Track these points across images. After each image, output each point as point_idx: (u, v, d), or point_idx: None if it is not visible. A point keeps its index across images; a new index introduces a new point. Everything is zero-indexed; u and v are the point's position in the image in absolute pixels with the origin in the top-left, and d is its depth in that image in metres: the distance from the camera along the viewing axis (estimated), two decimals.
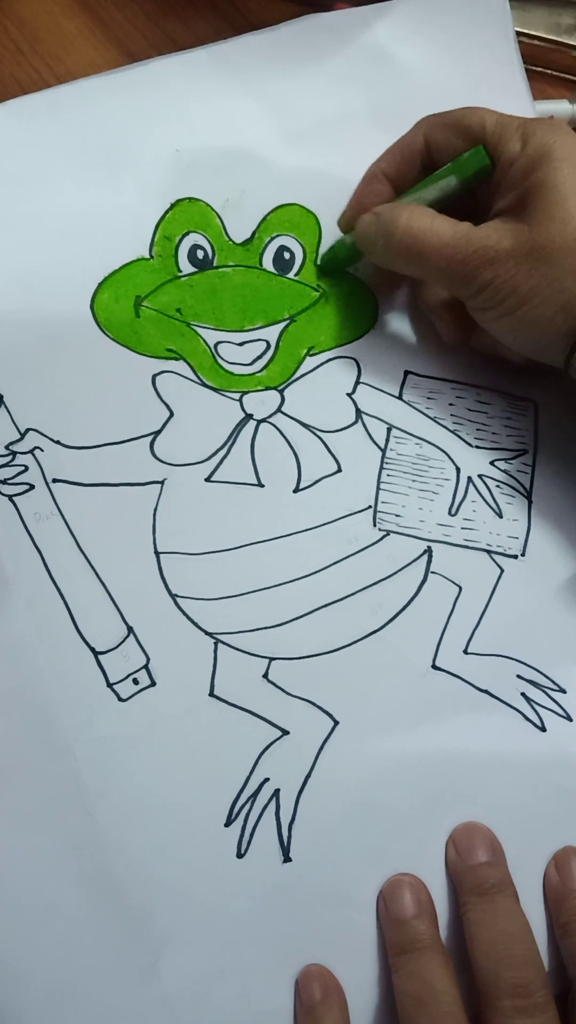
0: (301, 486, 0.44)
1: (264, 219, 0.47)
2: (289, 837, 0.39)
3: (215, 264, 0.46)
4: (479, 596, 0.43)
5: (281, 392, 0.45)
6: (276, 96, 0.49)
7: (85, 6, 0.54)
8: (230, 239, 0.47)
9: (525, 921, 0.38)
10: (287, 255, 0.47)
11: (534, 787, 0.41)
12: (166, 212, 0.47)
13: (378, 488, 0.44)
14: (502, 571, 0.44)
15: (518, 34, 0.51)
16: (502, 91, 0.50)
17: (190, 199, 0.47)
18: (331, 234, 0.48)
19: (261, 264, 0.47)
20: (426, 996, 0.35)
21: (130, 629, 0.41)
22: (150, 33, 0.53)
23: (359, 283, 0.47)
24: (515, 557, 0.44)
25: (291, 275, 0.47)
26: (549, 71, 0.55)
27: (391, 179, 0.45)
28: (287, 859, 0.39)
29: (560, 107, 0.53)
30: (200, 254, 0.46)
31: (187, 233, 0.47)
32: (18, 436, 0.43)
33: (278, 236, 0.47)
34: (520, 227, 0.39)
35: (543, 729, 0.42)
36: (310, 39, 0.50)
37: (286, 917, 0.38)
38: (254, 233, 0.47)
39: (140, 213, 0.47)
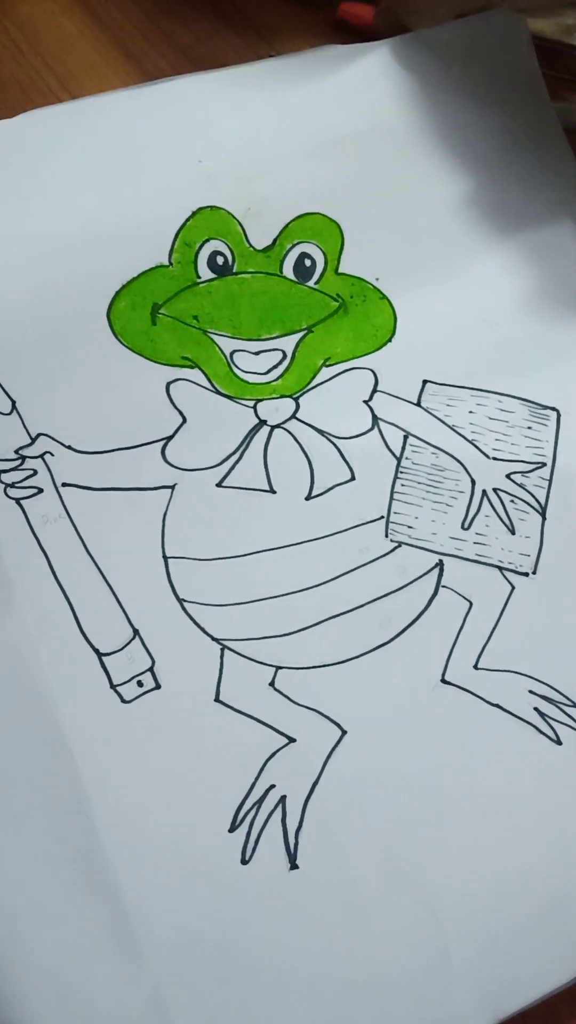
0: (313, 493, 0.43)
1: (286, 226, 0.48)
2: (296, 844, 0.38)
3: (235, 270, 0.46)
4: (490, 612, 0.43)
5: (296, 399, 0.45)
6: (301, 110, 0.49)
7: (85, 6, 0.54)
8: (251, 245, 0.47)
9: None
10: (308, 262, 0.47)
11: (549, 799, 0.40)
12: (187, 220, 0.47)
13: (392, 498, 0.44)
14: (513, 588, 0.43)
15: None
16: (524, 110, 0.51)
17: (212, 207, 0.47)
18: (354, 244, 0.48)
19: (282, 271, 0.47)
20: None
21: (136, 631, 0.40)
22: (150, 33, 0.53)
23: (379, 294, 0.47)
24: (526, 575, 0.43)
25: (311, 283, 0.47)
26: (551, 72, 0.54)
27: None
28: (294, 866, 0.38)
29: (560, 107, 0.52)
30: (220, 260, 0.46)
31: (207, 240, 0.47)
32: (29, 441, 0.43)
33: (299, 243, 0.47)
34: None
35: (558, 742, 0.41)
36: (332, 62, 0.50)
37: (293, 924, 0.37)
38: (275, 240, 0.47)
39: (161, 221, 0.47)
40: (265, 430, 0.44)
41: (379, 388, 0.45)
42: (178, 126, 0.48)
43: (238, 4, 0.54)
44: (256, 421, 0.44)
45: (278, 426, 0.44)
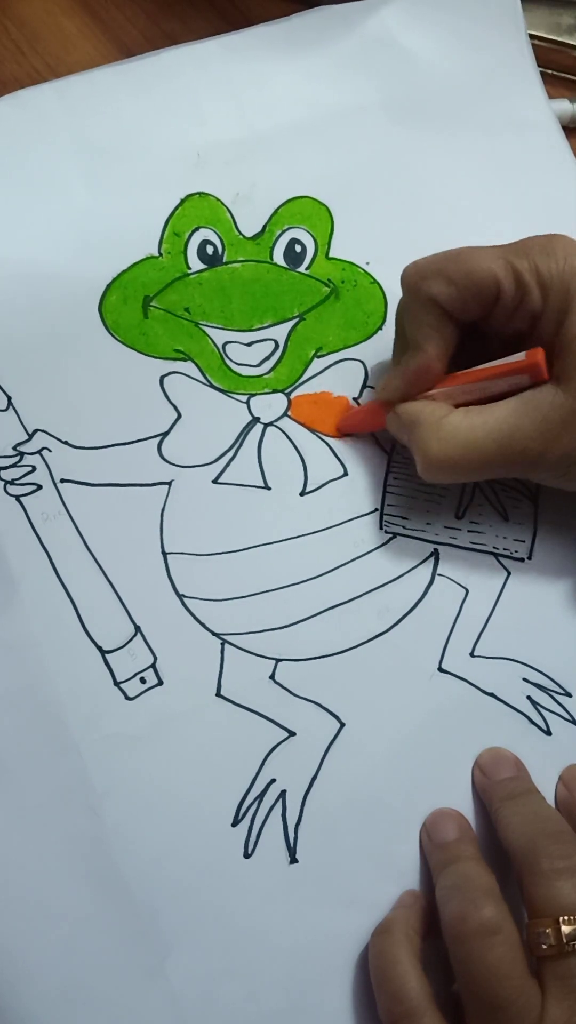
0: (307, 489, 0.44)
1: (275, 212, 0.47)
2: (295, 838, 0.40)
3: (224, 260, 0.46)
4: (486, 599, 0.43)
5: (288, 395, 0.45)
6: (287, 87, 0.49)
7: (85, 6, 0.53)
8: (240, 233, 0.47)
9: (557, 811, 0.39)
10: (298, 248, 0.47)
11: (541, 789, 0.41)
12: (176, 208, 0.47)
13: (384, 491, 0.44)
14: (509, 574, 0.44)
15: None
16: (515, 85, 0.50)
17: (200, 194, 0.47)
18: (344, 227, 0.47)
19: (272, 258, 0.47)
20: (461, 883, 0.36)
21: (137, 628, 0.41)
22: (150, 33, 0.53)
23: (369, 278, 0.47)
24: (521, 560, 0.44)
25: (302, 269, 0.47)
26: (549, 71, 0.54)
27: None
28: (293, 860, 0.39)
29: (560, 107, 0.52)
30: (210, 250, 0.46)
31: (197, 228, 0.46)
32: (26, 437, 0.43)
33: (289, 229, 0.47)
34: (564, 393, 0.37)
35: (548, 733, 0.42)
36: (321, 29, 0.49)
37: (292, 918, 0.39)
38: (265, 226, 0.47)
39: (149, 209, 0.47)
40: (258, 428, 0.44)
41: (368, 383, 0.45)
42: (166, 103, 0.48)
43: (238, 4, 0.53)
44: (249, 418, 0.44)
45: (271, 424, 0.44)
